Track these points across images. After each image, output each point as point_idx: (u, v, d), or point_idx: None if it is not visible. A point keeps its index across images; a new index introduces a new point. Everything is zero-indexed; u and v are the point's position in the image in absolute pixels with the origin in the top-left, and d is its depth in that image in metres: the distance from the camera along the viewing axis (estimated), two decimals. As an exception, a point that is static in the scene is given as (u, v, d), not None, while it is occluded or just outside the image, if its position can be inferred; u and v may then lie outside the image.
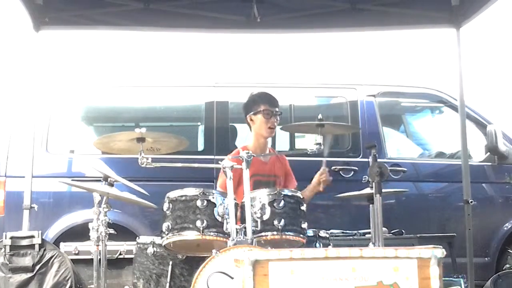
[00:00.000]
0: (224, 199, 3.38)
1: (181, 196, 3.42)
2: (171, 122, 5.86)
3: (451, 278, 4.26)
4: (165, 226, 3.42)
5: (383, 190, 3.64)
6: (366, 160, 4.99)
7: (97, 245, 3.62)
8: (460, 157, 5.08)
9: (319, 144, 3.60)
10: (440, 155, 5.68)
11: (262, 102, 4.22)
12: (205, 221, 3.33)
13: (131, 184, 3.98)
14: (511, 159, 5.31)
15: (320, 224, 4.01)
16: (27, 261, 4.12)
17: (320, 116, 3.61)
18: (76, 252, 4.35)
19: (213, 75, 5.36)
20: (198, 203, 3.36)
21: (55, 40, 5.69)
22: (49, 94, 5.12)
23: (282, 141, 5.39)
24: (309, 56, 7.06)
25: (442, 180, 5.42)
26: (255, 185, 3.57)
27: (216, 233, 3.34)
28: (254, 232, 3.29)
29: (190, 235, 3.35)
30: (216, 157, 4.77)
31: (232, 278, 3.04)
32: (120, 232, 4.09)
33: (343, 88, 5.43)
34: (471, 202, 4.87)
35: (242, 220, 3.38)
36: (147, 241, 3.66)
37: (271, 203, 3.37)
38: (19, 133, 4.94)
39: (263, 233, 3.34)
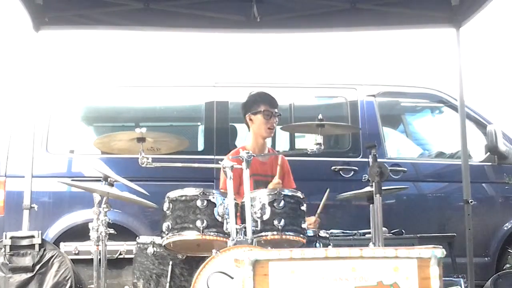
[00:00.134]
0: (224, 199, 3.38)
1: (181, 196, 3.42)
2: (171, 122, 5.86)
3: (451, 278, 4.26)
4: (165, 226, 3.41)
5: (383, 188, 3.64)
6: (366, 160, 5.00)
7: (97, 245, 3.62)
8: (460, 157, 5.09)
9: (319, 144, 3.60)
10: (440, 155, 5.68)
11: (263, 102, 4.22)
12: (205, 221, 3.33)
13: (131, 184, 3.98)
14: (511, 159, 5.31)
15: (320, 224, 4.01)
16: (27, 261, 4.12)
17: (320, 116, 3.60)
18: (76, 252, 4.35)
19: (213, 75, 5.36)
20: (198, 203, 3.36)
21: (55, 40, 5.69)
22: (49, 94, 5.13)
23: (282, 141, 5.39)
24: (309, 56, 7.06)
25: (442, 180, 5.43)
26: (254, 185, 3.57)
27: (216, 233, 3.33)
28: (254, 232, 3.29)
29: (190, 235, 3.35)
30: (216, 157, 4.78)
31: (232, 278, 3.04)
32: (120, 232, 4.10)
33: (343, 88, 5.43)
34: (471, 202, 4.87)
35: (242, 219, 3.38)
36: (147, 241, 3.65)
37: (271, 203, 3.37)
38: (19, 133, 4.94)
39: (263, 233, 3.33)
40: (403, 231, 4.72)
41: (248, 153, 3.45)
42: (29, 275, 4.09)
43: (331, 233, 4.03)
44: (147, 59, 6.03)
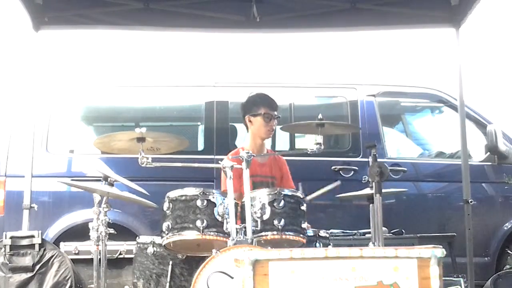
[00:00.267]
0: (224, 199, 3.38)
1: (181, 195, 3.42)
2: (171, 122, 5.86)
3: (451, 278, 4.26)
4: (165, 225, 3.41)
5: (383, 190, 3.64)
6: (366, 160, 4.99)
7: (97, 245, 3.63)
8: (460, 157, 5.08)
9: (319, 144, 3.60)
10: (440, 155, 5.68)
11: (263, 104, 4.21)
12: (205, 221, 3.33)
13: (131, 184, 3.98)
14: (511, 159, 5.31)
15: (320, 224, 4.00)
16: (27, 260, 4.12)
17: (320, 116, 3.60)
18: (76, 252, 4.36)
19: (213, 75, 5.36)
20: (198, 202, 3.36)
21: (55, 40, 5.69)
22: (49, 94, 5.12)
23: (282, 141, 5.38)
24: (309, 56, 7.06)
25: (442, 180, 5.43)
26: (253, 187, 3.57)
27: (216, 233, 3.33)
28: (254, 232, 3.29)
29: (190, 234, 3.35)
30: (216, 157, 4.78)
31: (232, 278, 3.04)
32: (120, 232, 4.09)
33: (343, 88, 5.43)
34: (471, 202, 4.87)
35: (242, 219, 3.38)
36: (147, 240, 3.65)
37: (271, 203, 3.37)
38: (19, 133, 4.94)
39: (263, 233, 3.33)
40: (403, 231, 4.72)
41: (248, 153, 3.45)
42: (29, 275, 4.09)
43: (331, 233, 4.03)
44: (147, 59, 6.03)
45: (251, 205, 3.35)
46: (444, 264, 2.52)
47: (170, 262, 3.54)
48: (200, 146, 5.29)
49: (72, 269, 4.12)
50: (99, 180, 3.76)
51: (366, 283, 2.49)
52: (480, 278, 4.80)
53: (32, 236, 4.19)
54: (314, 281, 2.49)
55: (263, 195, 3.41)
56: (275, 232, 3.33)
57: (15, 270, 4.09)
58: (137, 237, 3.79)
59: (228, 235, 3.28)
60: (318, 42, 6.98)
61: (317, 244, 3.57)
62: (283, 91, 5.17)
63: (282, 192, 3.42)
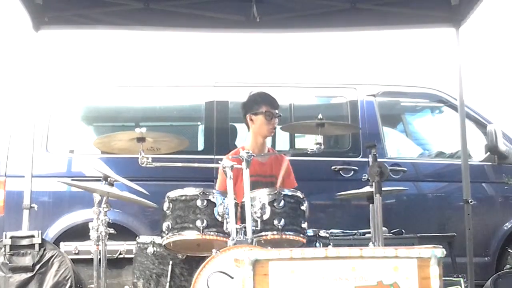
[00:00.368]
0: (224, 199, 3.38)
1: (181, 195, 3.42)
2: (171, 121, 5.86)
3: (451, 278, 4.26)
4: (165, 225, 3.41)
5: (383, 189, 3.64)
6: (366, 160, 5.00)
7: (97, 245, 3.62)
8: (460, 156, 5.08)
9: (319, 144, 3.60)
10: (440, 154, 5.68)
11: (264, 103, 4.21)
12: (205, 221, 3.33)
13: (131, 184, 3.98)
14: (511, 158, 5.31)
15: (320, 224, 4.00)
16: (27, 260, 4.12)
17: (320, 116, 3.60)
18: (76, 251, 4.35)
19: (213, 75, 5.36)
20: (198, 202, 3.36)
21: (55, 40, 5.69)
22: (49, 94, 5.12)
23: (282, 141, 5.38)
24: (309, 56, 7.06)
25: (442, 179, 5.43)
26: (252, 187, 3.57)
27: (216, 233, 3.34)
28: (254, 232, 3.29)
29: (190, 234, 3.35)
30: (216, 156, 4.78)
31: (232, 277, 3.04)
32: (120, 231, 4.09)
33: (343, 87, 5.43)
34: (471, 201, 4.87)
35: (242, 219, 3.38)
36: (147, 240, 3.65)
37: (271, 203, 3.37)
38: (19, 133, 4.94)
39: (263, 233, 3.33)
40: (403, 230, 4.72)
41: (248, 152, 3.45)
42: (29, 274, 4.09)
43: (331, 233, 4.03)
44: (147, 59, 6.03)
45: (251, 205, 3.35)
46: (444, 264, 2.52)
47: (170, 262, 3.54)
48: (200, 146, 5.29)
49: (72, 269, 4.12)
50: (99, 180, 3.76)
51: (366, 283, 2.49)
52: (480, 278, 4.80)
53: (32, 236, 4.19)
54: (314, 281, 2.49)
55: (263, 195, 3.41)
56: (275, 232, 3.33)
57: (15, 270, 4.09)
58: (137, 237, 3.79)
59: (228, 235, 3.28)
60: (318, 42, 6.98)
61: (317, 244, 3.57)
62: (283, 91, 5.17)
63: (282, 192, 3.42)
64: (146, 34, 5.75)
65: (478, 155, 5.41)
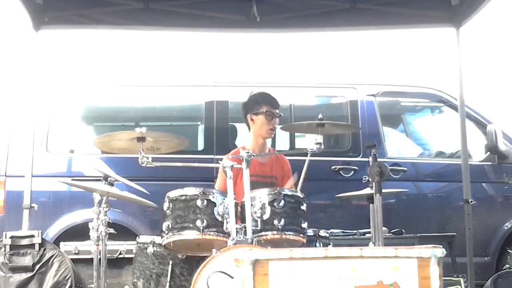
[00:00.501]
0: (224, 199, 3.38)
1: (181, 195, 3.42)
2: (171, 121, 5.86)
3: (451, 278, 4.26)
4: (165, 225, 3.41)
5: (383, 190, 3.64)
6: (366, 159, 4.99)
7: (97, 245, 3.63)
8: (460, 156, 5.08)
9: (319, 143, 3.60)
10: (440, 154, 5.68)
11: (265, 103, 4.21)
12: (205, 221, 3.33)
13: (131, 184, 3.98)
14: (511, 158, 5.31)
15: (320, 224, 4.00)
16: (27, 260, 4.12)
17: (320, 116, 3.61)
18: (76, 251, 4.35)
19: (213, 75, 5.36)
20: (198, 202, 3.36)
21: (55, 39, 5.69)
22: (49, 94, 5.12)
23: (282, 141, 5.38)
24: (309, 56, 7.06)
25: (442, 179, 5.43)
26: (252, 187, 3.58)
27: (216, 233, 3.34)
28: (254, 232, 3.29)
29: (190, 234, 3.35)
30: (216, 156, 4.78)
31: (232, 277, 3.04)
32: (120, 231, 4.10)
33: (343, 87, 5.42)
34: (471, 201, 4.87)
35: (242, 219, 3.38)
36: (147, 240, 3.65)
37: (271, 203, 3.37)
38: (19, 132, 4.94)
39: (263, 233, 3.33)
40: (403, 230, 4.72)
41: (248, 152, 3.45)
42: (29, 274, 4.09)
43: (331, 232, 4.03)
44: (147, 59, 6.03)
45: (251, 205, 3.35)
46: (444, 264, 2.52)
47: (170, 262, 3.54)
48: (200, 146, 5.29)
49: (72, 268, 4.12)
50: (99, 180, 3.76)
51: (366, 283, 2.49)
52: (480, 278, 4.80)
53: (32, 236, 4.19)
54: (314, 281, 2.48)
55: (263, 195, 3.41)
56: (275, 232, 3.33)
57: (15, 269, 4.09)
58: (137, 237, 3.79)
59: (228, 235, 3.28)
60: (318, 42, 6.98)
61: (317, 244, 3.57)
62: (283, 91, 5.16)
63: (282, 192, 3.42)
64: (146, 34, 5.75)
65: (478, 155, 5.41)
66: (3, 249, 4.14)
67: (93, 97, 5.39)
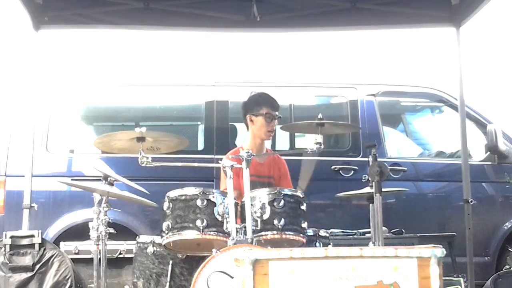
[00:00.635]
0: (224, 198, 3.38)
1: (181, 195, 3.42)
2: (171, 121, 5.86)
3: (451, 278, 4.26)
4: (165, 225, 3.41)
5: (383, 189, 3.64)
6: (366, 159, 4.99)
7: (97, 245, 3.62)
8: (460, 156, 5.08)
9: (319, 143, 3.60)
10: (440, 154, 5.68)
11: (265, 104, 4.20)
12: (205, 221, 3.33)
13: (131, 183, 3.98)
14: (511, 158, 5.31)
15: (320, 224, 4.01)
16: (27, 260, 4.12)
17: (320, 116, 3.60)
18: (76, 251, 4.35)
19: (213, 75, 5.36)
20: (198, 202, 3.36)
21: (55, 39, 5.69)
22: (49, 94, 5.13)
23: (282, 141, 5.38)
24: (309, 55, 7.05)
25: (442, 179, 5.43)
26: (250, 186, 3.58)
27: (216, 233, 3.33)
28: (254, 232, 3.29)
29: (190, 234, 3.35)
30: (216, 156, 4.78)
31: (232, 277, 3.04)
32: (120, 231, 4.09)
33: (343, 87, 5.42)
34: (471, 201, 4.87)
35: (242, 219, 3.38)
36: (147, 240, 3.65)
37: (271, 203, 3.37)
38: (19, 132, 4.94)
39: (263, 233, 3.33)
40: (403, 230, 4.72)
41: (248, 152, 3.45)
42: (29, 274, 4.09)
43: (331, 232, 4.03)
44: (147, 59, 6.03)
45: (251, 204, 3.35)
46: (444, 264, 2.52)
47: (170, 262, 3.54)
48: (200, 145, 5.29)
49: (72, 268, 4.12)
50: (99, 180, 3.76)
51: (366, 283, 2.49)
52: (480, 277, 4.80)
53: (32, 236, 4.19)
54: (314, 281, 2.48)
55: (263, 194, 3.41)
56: (275, 232, 3.33)
57: (15, 269, 4.09)
58: (137, 237, 3.79)
59: (228, 234, 3.28)
60: (318, 42, 6.98)
61: (317, 244, 3.57)
62: (283, 90, 5.17)
63: (282, 192, 3.42)
64: (146, 34, 5.75)
65: (478, 154, 5.42)
66: (3, 249, 4.14)
67: (93, 97, 5.39)
